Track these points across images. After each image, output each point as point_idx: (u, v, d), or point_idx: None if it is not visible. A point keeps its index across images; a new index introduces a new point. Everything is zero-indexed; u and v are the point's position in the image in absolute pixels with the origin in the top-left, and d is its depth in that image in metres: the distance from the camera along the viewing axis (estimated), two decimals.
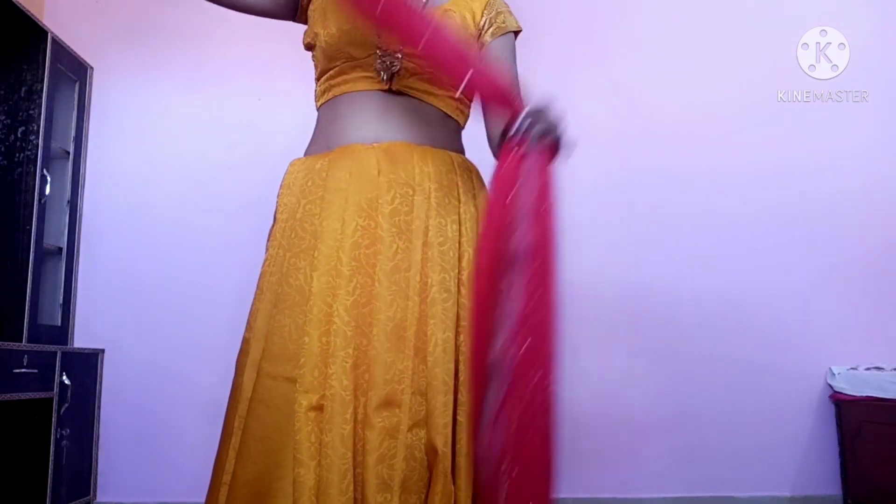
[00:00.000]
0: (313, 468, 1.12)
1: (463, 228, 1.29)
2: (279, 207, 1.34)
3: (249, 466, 1.17)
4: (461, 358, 1.21)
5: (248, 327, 1.28)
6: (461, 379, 1.20)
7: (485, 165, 1.45)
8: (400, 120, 1.33)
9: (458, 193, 1.32)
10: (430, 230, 1.26)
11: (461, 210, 1.30)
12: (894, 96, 3.06)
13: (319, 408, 1.15)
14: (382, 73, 1.31)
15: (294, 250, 1.27)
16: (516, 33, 1.47)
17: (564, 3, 3.07)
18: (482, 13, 1.43)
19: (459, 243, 1.28)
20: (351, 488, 1.12)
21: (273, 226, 1.34)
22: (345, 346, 1.17)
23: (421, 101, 1.34)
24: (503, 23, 1.43)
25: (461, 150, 1.42)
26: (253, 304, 1.30)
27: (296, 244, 1.27)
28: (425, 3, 1.40)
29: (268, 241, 1.34)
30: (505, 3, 1.48)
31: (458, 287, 1.25)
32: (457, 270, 1.26)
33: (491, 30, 1.42)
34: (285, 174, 1.38)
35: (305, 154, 1.41)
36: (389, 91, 1.33)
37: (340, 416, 1.14)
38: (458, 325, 1.23)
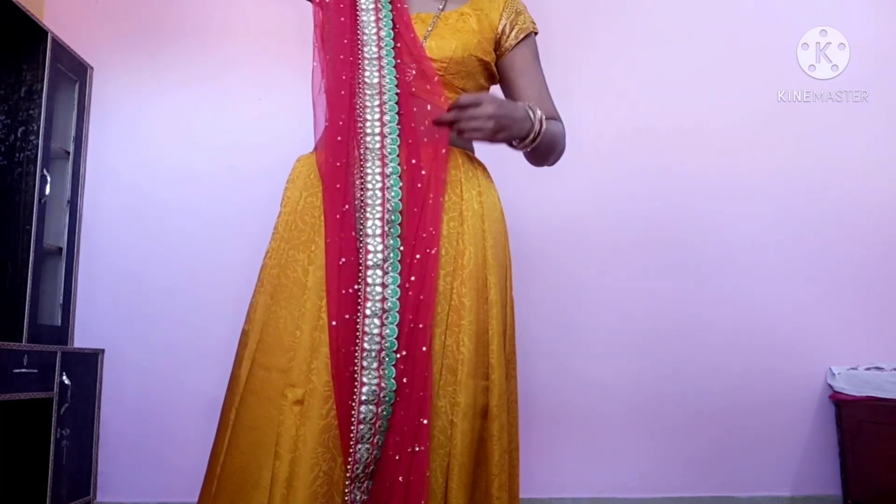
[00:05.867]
0: (288, 461, 1.12)
1: (465, 226, 1.27)
2: (283, 200, 1.35)
3: (237, 457, 1.18)
4: (459, 358, 1.20)
5: (248, 319, 1.29)
6: (457, 378, 1.19)
7: (494, 164, 1.46)
8: None
9: (461, 190, 1.30)
10: None
11: (464, 207, 1.29)
12: (894, 96, 3.06)
13: (303, 402, 1.15)
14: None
15: (293, 242, 1.27)
16: (535, 34, 1.46)
17: (563, 4, 3.07)
18: (500, 15, 1.41)
19: (460, 241, 1.26)
20: (318, 482, 1.12)
21: (277, 219, 1.35)
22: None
23: (428, 101, 1.34)
24: (523, 24, 1.43)
25: (470, 148, 1.41)
26: (253, 297, 1.30)
27: (295, 236, 1.28)
28: (442, 8, 1.40)
29: (272, 233, 1.35)
30: (521, 3, 1.46)
31: (454, 285, 1.23)
32: (451, 268, 1.24)
33: (513, 34, 1.41)
34: (292, 169, 1.39)
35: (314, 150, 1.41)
36: None
37: (317, 410, 1.14)
38: (446, 325, 1.21)
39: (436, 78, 1.29)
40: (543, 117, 1.30)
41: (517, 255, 1.45)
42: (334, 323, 1.17)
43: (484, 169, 1.40)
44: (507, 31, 1.41)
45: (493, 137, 1.25)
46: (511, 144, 1.31)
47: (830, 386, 2.83)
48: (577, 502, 2.77)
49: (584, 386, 2.84)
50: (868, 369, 2.70)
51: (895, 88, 3.06)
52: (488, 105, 1.23)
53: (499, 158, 1.56)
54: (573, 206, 2.95)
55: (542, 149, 1.36)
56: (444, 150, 1.27)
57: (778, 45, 3.08)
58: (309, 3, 1.39)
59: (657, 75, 3.05)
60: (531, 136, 1.29)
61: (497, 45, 1.41)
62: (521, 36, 1.41)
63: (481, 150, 1.46)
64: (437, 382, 1.18)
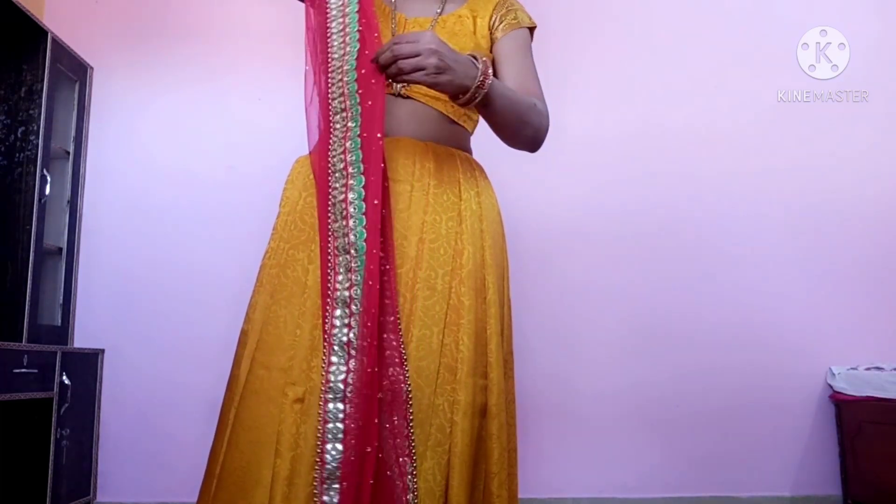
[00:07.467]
0: (289, 459, 1.12)
1: (463, 226, 1.28)
2: (282, 200, 1.36)
3: (237, 456, 1.18)
4: (458, 357, 1.20)
5: (247, 319, 1.29)
6: (457, 377, 1.19)
7: (491, 166, 1.46)
8: (406, 119, 1.33)
9: (460, 190, 1.31)
10: (425, 226, 1.25)
11: (462, 207, 1.29)
12: (894, 96, 3.06)
13: (303, 400, 1.15)
14: (392, 80, 1.24)
15: (293, 242, 1.28)
16: (531, 29, 1.46)
17: (564, 4, 3.07)
18: (493, 13, 1.43)
19: (458, 240, 1.27)
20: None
21: (276, 219, 1.35)
22: None
23: (426, 104, 1.34)
24: (514, 19, 1.44)
25: (468, 150, 1.42)
26: (252, 297, 1.31)
27: (295, 236, 1.28)
28: (440, 11, 1.41)
29: (271, 234, 1.35)
30: (517, 2, 1.48)
31: (452, 284, 1.23)
32: (450, 268, 1.24)
33: (501, 26, 1.42)
34: (291, 169, 1.39)
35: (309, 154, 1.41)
36: (398, 95, 1.34)
37: (317, 408, 1.14)
38: (445, 324, 1.21)
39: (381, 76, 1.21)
40: (489, 64, 1.21)
41: (515, 257, 1.45)
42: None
43: (482, 170, 1.41)
44: (497, 24, 1.43)
45: (436, 79, 1.14)
46: (457, 98, 1.20)
47: (830, 386, 2.83)
48: (577, 502, 2.77)
49: (583, 386, 2.84)
50: (868, 369, 2.70)
51: (895, 88, 3.06)
52: (430, 38, 1.14)
53: (497, 160, 1.56)
54: (571, 207, 2.95)
55: (499, 110, 1.25)
56: (375, 146, 1.19)
57: (778, 45, 3.08)
58: (302, 4, 1.38)
59: (656, 76, 3.05)
60: (477, 83, 1.17)
61: (490, 41, 1.43)
62: (509, 29, 1.42)
63: (480, 152, 1.46)
64: (435, 381, 1.18)
